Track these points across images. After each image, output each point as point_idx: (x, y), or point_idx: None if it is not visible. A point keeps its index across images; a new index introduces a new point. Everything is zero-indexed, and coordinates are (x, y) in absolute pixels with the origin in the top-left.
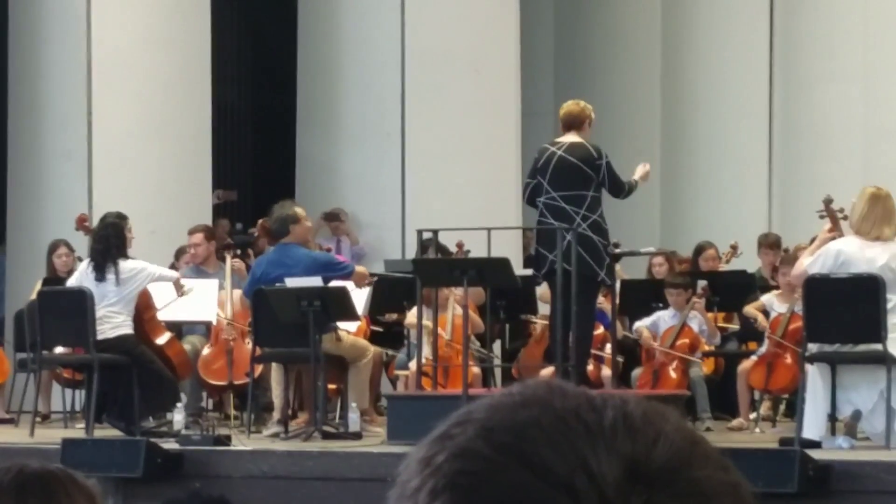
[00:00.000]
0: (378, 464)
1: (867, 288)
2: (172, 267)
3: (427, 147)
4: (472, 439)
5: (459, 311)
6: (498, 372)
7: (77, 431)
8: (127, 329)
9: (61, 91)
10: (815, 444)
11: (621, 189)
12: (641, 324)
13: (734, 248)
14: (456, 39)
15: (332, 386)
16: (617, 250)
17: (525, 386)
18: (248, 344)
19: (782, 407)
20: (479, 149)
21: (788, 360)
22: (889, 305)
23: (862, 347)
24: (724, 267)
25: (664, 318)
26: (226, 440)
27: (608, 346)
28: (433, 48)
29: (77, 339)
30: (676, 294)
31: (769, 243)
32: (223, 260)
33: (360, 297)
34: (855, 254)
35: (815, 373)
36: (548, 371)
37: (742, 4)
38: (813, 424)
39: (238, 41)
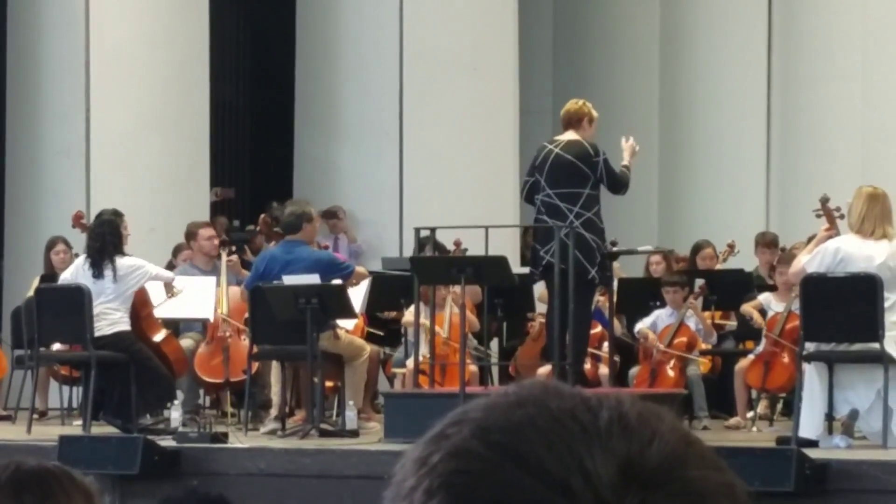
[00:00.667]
0: (375, 462)
1: (864, 287)
2: (170, 264)
3: (425, 145)
4: (467, 439)
5: (457, 309)
6: (495, 370)
7: (74, 429)
8: (124, 326)
9: (60, 88)
10: (812, 444)
11: (621, 185)
12: (643, 325)
13: (731, 246)
14: (454, 38)
15: (329, 384)
16: (614, 249)
17: (521, 386)
18: (244, 341)
19: (779, 406)
20: (477, 147)
21: (786, 359)
22: (887, 304)
23: (859, 346)
24: (721, 266)
25: (662, 318)
26: (223, 437)
27: (605, 345)
28: (431, 46)
29: (74, 336)
30: (673, 292)
31: (766, 242)
32: (218, 257)
33: (357, 295)
34: (853, 252)
35: (813, 372)
36: (545, 369)
37: (741, 3)
38: (810, 423)
39: (236, 39)
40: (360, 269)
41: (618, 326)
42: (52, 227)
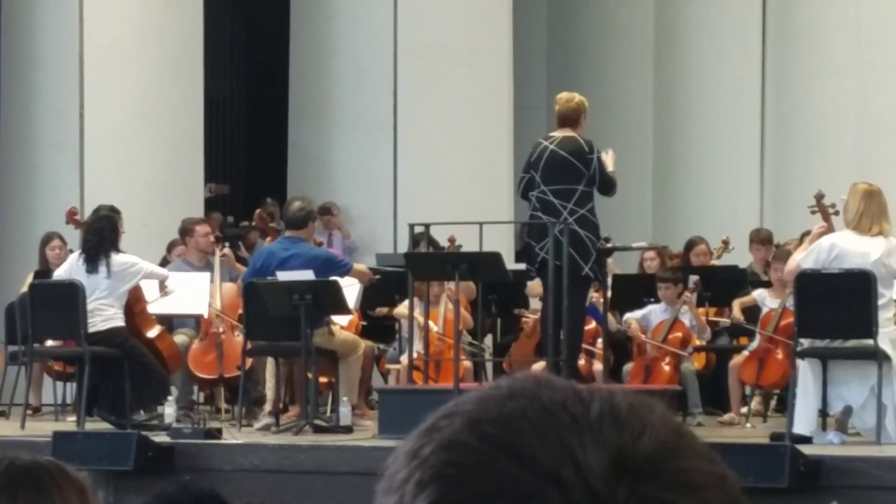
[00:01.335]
0: (369, 457)
1: (859, 283)
2: (164, 260)
3: (419, 141)
4: (459, 431)
5: (451, 305)
6: (489, 366)
7: (68, 424)
8: (118, 322)
9: (54, 83)
10: (806, 440)
11: (610, 187)
12: (631, 315)
13: (726, 243)
14: (449, 33)
15: (323, 380)
16: (607, 245)
17: (512, 379)
18: (238, 337)
19: (773, 402)
20: (471, 143)
21: (780, 355)
22: (881, 301)
23: (853, 343)
24: (715, 262)
25: (656, 313)
26: (217, 433)
27: (599, 341)
28: (426, 41)
29: (68, 331)
30: (667, 288)
31: (761, 238)
32: (213, 253)
33: (351, 292)
34: (848, 248)
35: (807, 368)
36: (539, 365)
37: None
38: (804, 419)
39: (231, 34)
40: (360, 266)
41: (612, 322)
42: (46, 222)
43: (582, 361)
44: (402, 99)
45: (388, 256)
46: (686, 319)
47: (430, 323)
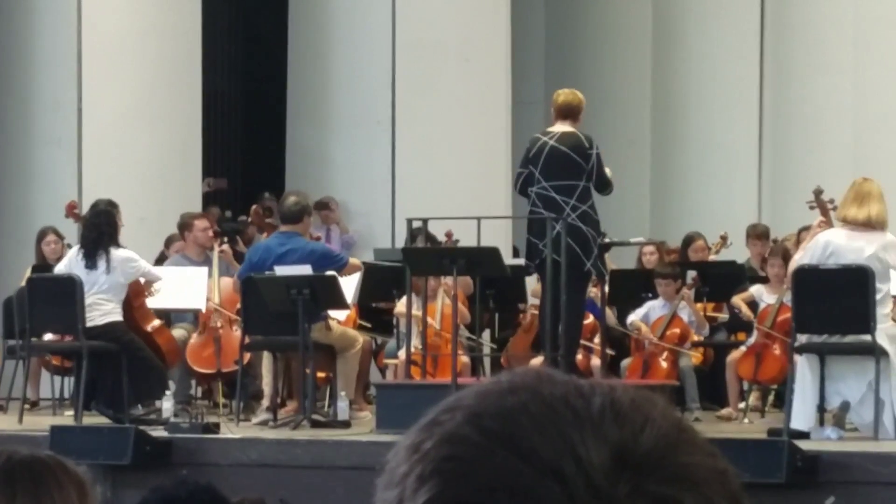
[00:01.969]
0: (367, 452)
1: (856, 279)
2: (162, 255)
3: (417, 136)
4: (460, 425)
5: (448, 300)
6: (487, 361)
7: (66, 419)
8: (116, 316)
9: (52, 78)
10: (804, 435)
11: (606, 185)
12: (636, 317)
13: (724, 238)
14: (446, 29)
15: (321, 374)
16: (606, 240)
17: (513, 373)
18: (236, 331)
19: (771, 397)
20: (469, 138)
21: (777, 350)
22: (878, 296)
23: (851, 338)
24: (713, 257)
25: (654, 309)
26: (214, 428)
27: (597, 336)
28: (424, 37)
29: (66, 326)
30: (666, 284)
31: (758, 234)
32: (211, 248)
33: (349, 286)
34: (842, 245)
35: (804, 363)
36: (537, 360)
37: None
38: (801, 415)
39: (229, 29)
40: (353, 260)
41: (610, 318)
42: (43, 216)
43: (580, 357)
44: (399, 94)
45: (385, 251)
46: (684, 315)
47: (428, 318)
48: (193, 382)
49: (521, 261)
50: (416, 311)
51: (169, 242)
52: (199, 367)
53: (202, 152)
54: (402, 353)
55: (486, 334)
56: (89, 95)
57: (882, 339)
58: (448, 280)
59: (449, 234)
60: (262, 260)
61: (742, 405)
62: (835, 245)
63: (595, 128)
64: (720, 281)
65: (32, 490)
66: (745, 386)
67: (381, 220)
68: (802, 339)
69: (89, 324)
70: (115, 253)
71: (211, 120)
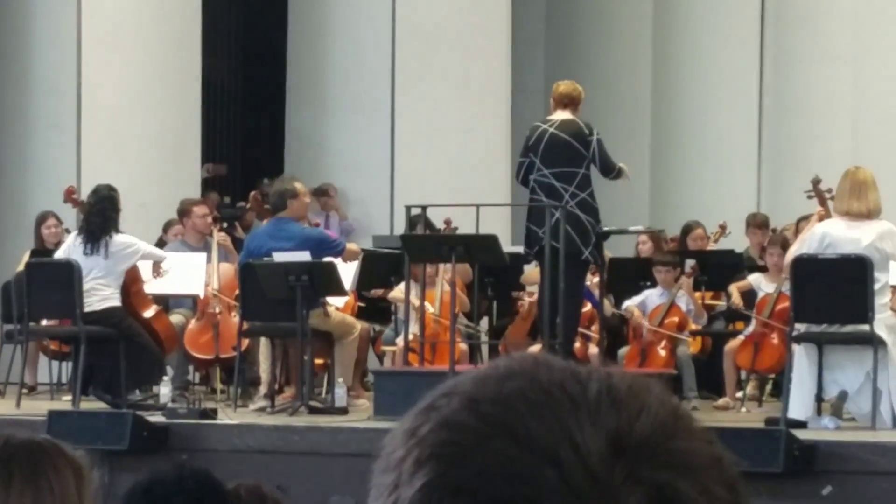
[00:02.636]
0: (364, 439)
1: (855, 268)
2: (160, 240)
3: (417, 123)
4: (457, 410)
5: (447, 287)
6: (485, 348)
7: (63, 403)
8: (114, 302)
9: (51, 63)
10: (801, 424)
11: (611, 169)
12: (631, 303)
13: (723, 227)
14: (447, 16)
15: (318, 361)
16: (604, 229)
17: (511, 359)
18: (235, 318)
19: (769, 387)
20: (468, 126)
21: (775, 339)
22: (876, 286)
23: (849, 328)
24: (712, 246)
25: (652, 297)
26: (212, 414)
27: (595, 325)
28: (424, 24)
29: (64, 311)
30: (665, 272)
31: (757, 223)
32: (210, 234)
33: (348, 273)
34: (839, 235)
35: (802, 353)
36: (535, 348)
37: None
38: (799, 404)
39: (228, 15)
40: (351, 246)
41: (608, 306)
42: (42, 201)
43: (578, 345)
44: (399, 81)
45: (384, 238)
46: (682, 304)
47: (427, 305)
48: (191, 368)
49: (520, 248)
50: (414, 299)
51: (167, 228)
52: (197, 352)
53: (201, 138)
54: (400, 341)
55: (485, 322)
56: (88, 80)
57: (880, 328)
58: (447, 267)
59: (448, 222)
60: (258, 246)
61: (739, 394)
62: (832, 236)
63: (595, 117)
64: (719, 270)
65: (29, 474)
66: (743, 375)
67: (380, 206)
68: (801, 328)
69: (87, 309)
70: (116, 238)
71: (210, 106)
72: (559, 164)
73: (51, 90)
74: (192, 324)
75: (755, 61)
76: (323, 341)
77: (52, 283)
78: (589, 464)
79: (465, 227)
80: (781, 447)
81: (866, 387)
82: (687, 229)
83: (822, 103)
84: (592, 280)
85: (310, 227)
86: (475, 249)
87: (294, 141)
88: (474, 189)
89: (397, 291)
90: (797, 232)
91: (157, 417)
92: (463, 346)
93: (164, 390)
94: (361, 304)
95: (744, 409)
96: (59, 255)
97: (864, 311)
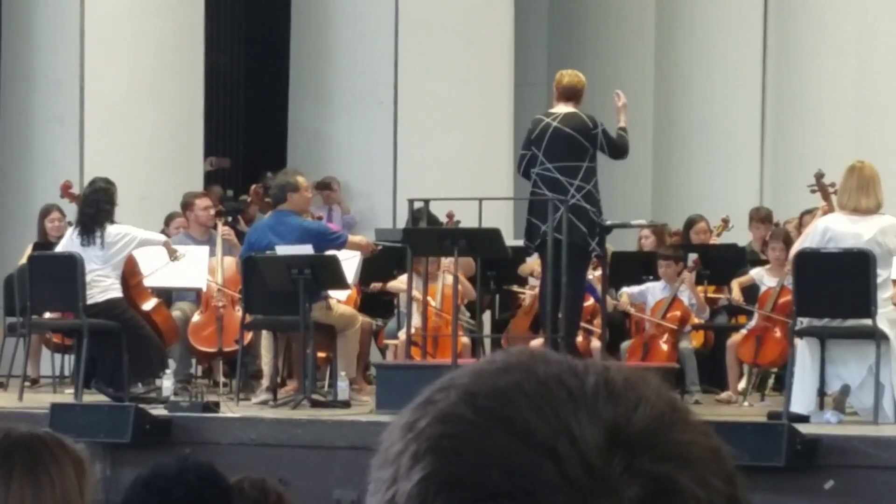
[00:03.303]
0: (366, 432)
1: (857, 263)
2: (162, 234)
3: (419, 116)
4: (454, 404)
5: (449, 280)
6: (487, 342)
7: (66, 396)
8: (116, 293)
9: (54, 56)
10: (804, 419)
11: (621, 150)
12: (626, 289)
13: (725, 221)
14: (449, 8)
15: (321, 354)
16: (607, 223)
17: (508, 353)
18: (239, 311)
19: (771, 381)
20: (471, 119)
21: (778, 333)
22: (879, 280)
23: (851, 322)
24: (715, 240)
25: (654, 291)
26: (214, 407)
27: (597, 319)
28: (427, 17)
29: (67, 304)
30: (667, 266)
31: (760, 217)
32: (214, 227)
33: (350, 266)
34: (841, 230)
35: (804, 347)
36: (538, 342)
37: None
38: (801, 399)
39: (231, 8)
40: (356, 238)
41: (610, 301)
42: (45, 194)
43: (580, 339)
44: (402, 74)
45: (387, 231)
46: (685, 298)
47: (428, 299)
48: (194, 361)
49: (522, 242)
50: (416, 292)
51: (169, 221)
52: (200, 345)
53: (204, 131)
54: (402, 334)
55: (487, 316)
56: (91, 74)
57: (882, 323)
58: (449, 261)
59: (450, 215)
60: (259, 239)
61: (741, 386)
62: (833, 231)
63: (597, 110)
64: (721, 264)
65: (30, 467)
66: (745, 370)
67: (383, 200)
68: (803, 322)
69: (89, 301)
70: (110, 229)
71: (213, 99)
72: (563, 158)
73: (54, 83)
74: (196, 317)
75: (758, 55)
76: (325, 334)
77: (54, 276)
78: (586, 456)
79: (467, 220)
80: (784, 441)
81: (868, 381)
82: (690, 223)
83: (825, 97)
84: (594, 274)
85: (311, 219)
86: (478, 243)
87: (297, 134)
88: (477, 182)
89: (397, 281)
90: (800, 226)
91: (159, 411)
92: (465, 339)
93: (167, 383)
94: (364, 298)
95: (746, 403)
96: (59, 248)
97: (866, 306)
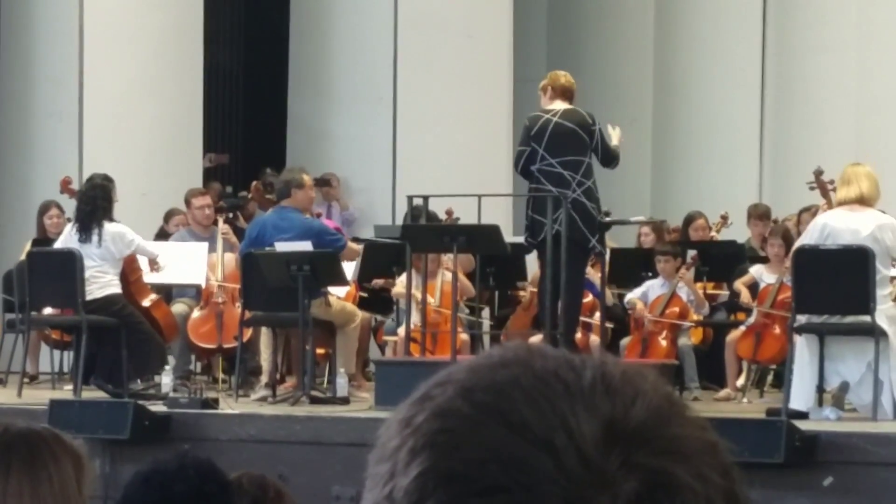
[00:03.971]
0: (365, 429)
1: (856, 259)
2: (162, 230)
3: (419, 113)
4: (451, 399)
5: (449, 276)
6: (486, 339)
7: (65, 393)
8: (115, 289)
9: (53, 51)
10: (803, 415)
11: (612, 158)
12: (633, 295)
13: (724, 218)
14: (449, 4)
15: (320, 351)
16: (608, 219)
17: (505, 348)
18: (238, 307)
19: (770, 377)
20: (470, 115)
21: (777, 330)
22: (878, 277)
23: (850, 319)
24: (714, 237)
25: (654, 288)
26: (213, 403)
27: (596, 314)
28: (426, 13)
29: (66, 300)
30: (665, 262)
31: (759, 214)
32: (215, 223)
33: (349, 263)
34: (838, 226)
35: (803, 344)
36: (537, 338)
37: None
38: (800, 395)
39: (231, 3)
40: (352, 245)
41: (609, 297)
42: (43, 190)
43: (579, 335)
44: (401, 70)
45: (386, 228)
46: (683, 294)
47: (427, 296)
48: (193, 357)
49: (521, 238)
50: (416, 292)
51: (168, 217)
52: (199, 341)
53: (203, 127)
54: (401, 330)
55: (486, 312)
56: (90, 69)
57: (881, 319)
58: (448, 258)
59: (449, 212)
60: (260, 235)
61: (740, 382)
62: (831, 227)
63: (596, 106)
64: (720, 260)
65: (28, 463)
66: (745, 366)
67: (382, 196)
68: (802, 319)
69: (88, 297)
70: (108, 227)
71: (212, 95)
72: (566, 153)
73: (53, 79)
74: (196, 313)
75: (757, 51)
76: (324, 331)
77: (53, 272)
78: (583, 450)
79: (466, 216)
80: (783, 438)
81: (867, 378)
82: (689, 219)
83: (824, 93)
84: (592, 272)
85: (312, 218)
86: (477, 239)
87: (296, 130)
88: (476, 179)
89: (399, 286)
90: (799, 223)
91: (158, 407)
92: (464, 336)
93: (166, 380)
94: (363, 294)
95: (745, 400)
96: (58, 245)
97: (865, 302)
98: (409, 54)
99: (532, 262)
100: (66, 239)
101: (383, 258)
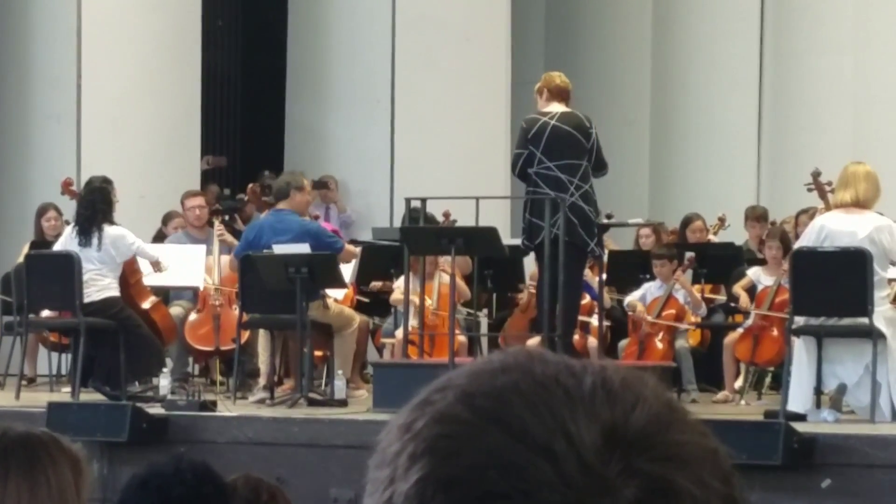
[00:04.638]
0: (363, 431)
1: (854, 261)
2: (160, 232)
3: (416, 115)
4: (451, 404)
5: (446, 279)
6: (484, 341)
7: (63, 395)
8: (113, 292)
9: (51, 53)
10: (800, 417)
11: (604, 165)
12: (633, 297)
13: (722, 220)
14: (447, 6)
15: (318, 353)
16: (608, 221)
17: (505, 353)
18: (236, 310)
19: (768, 380)
20: (468, 117)
21: (775, 332)
22: (875, 279)
23: (848, 321)
24: (711, 239)
25: (651, 290)
26: (211, 406)
27: (594, 317)
28: (424, 15)
29: (64, 302)
30: (661, 265)
31: (756, 216)
32: (212, 225)
33: (347, 265)
34: (835, 228)
35: (801, 346)
36: (535, 341)
37: None
38: (798, 397)
39: (228, 6)
40: (349, 248)
41: (607, 299)
42: (42, 192)
43: (577, 337)
44: (399, 73)
45: (384, 230)
46: (680, 296)
47: (425, 298)
48: (191, 360)
49: (519, 241)
50: (414, 296)
51: (167, 220)
52: (197, 344)
53: (201, 130)
54: (399, 333)
55: (484, 315)
56: (89, 71)
57: (879, 321)
58: (445, 260)
59: (447, 214)
60: (257, 237)
61: (738, 384)
62: (828, 229)
63: (594, 108)
64: (718, 262)
65: (27, 466)
66: (742, 368)
67: (380, 199)
68: (800, 321)
69: (86, 300)
70: (109, 231)
71: (210, 97)
72: (564, 157)
73: (51, 81)
74: (193, 315)
75: (755, 52)
76: (322, 333)
77: (51, 274)
78: (583, 456)
79: (464, 219)
80: (780, 440)
81: (865, 380)
82: (686, 222)
83: (822, 94)
84: (590, 273)
85: (309, 220)
86: (475, 242)
87: (294, 133)
88: (474, 181)
89: (398, 293)
90: (797, 225)
91: (156, 409)
92: (462, 338)
93: (164, 382)
94: (361, 297)
95: (743, 402)
96: (57, 247)
97: (863, 304)
98: (407, 57)
99: (530, 263)
100: (66, 241)
101: (381, 260)
